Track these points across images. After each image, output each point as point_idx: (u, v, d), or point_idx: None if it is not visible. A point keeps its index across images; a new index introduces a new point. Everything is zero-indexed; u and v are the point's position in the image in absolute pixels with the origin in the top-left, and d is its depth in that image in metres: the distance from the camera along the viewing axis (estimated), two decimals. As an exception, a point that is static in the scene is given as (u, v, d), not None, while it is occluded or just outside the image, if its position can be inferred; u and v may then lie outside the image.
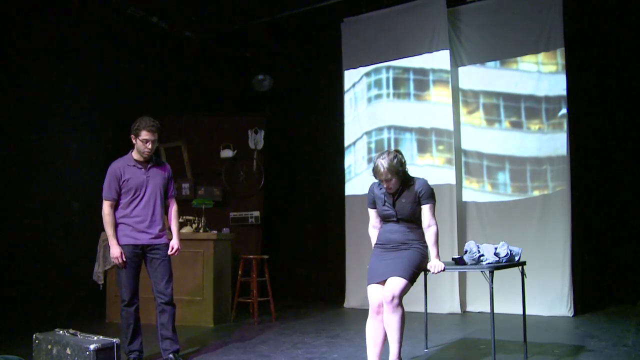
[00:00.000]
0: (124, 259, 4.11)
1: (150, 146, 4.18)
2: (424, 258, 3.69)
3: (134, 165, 4.23)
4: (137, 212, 4.19)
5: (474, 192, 6.83)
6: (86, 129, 7.35)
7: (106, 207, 4.16)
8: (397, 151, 3.67)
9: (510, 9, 6.66)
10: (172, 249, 4.31)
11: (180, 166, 7.80)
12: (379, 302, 3.56)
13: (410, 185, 3.66)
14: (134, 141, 4.21)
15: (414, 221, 3.68)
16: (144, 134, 4.15)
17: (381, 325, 3.59)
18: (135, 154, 4.25)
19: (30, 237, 6.55)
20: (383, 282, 3.57)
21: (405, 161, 3.63)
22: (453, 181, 6.74)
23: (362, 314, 4.66)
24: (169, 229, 4.44)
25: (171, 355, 4.21)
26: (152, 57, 8.06)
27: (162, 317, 4.24)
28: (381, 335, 3.62)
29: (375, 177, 3.65)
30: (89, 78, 7.31)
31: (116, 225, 4.17)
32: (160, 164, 4.41)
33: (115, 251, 4.11)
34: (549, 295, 6.09)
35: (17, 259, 6.33)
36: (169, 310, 4.25)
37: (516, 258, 4.11)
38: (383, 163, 3.54)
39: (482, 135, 6.81)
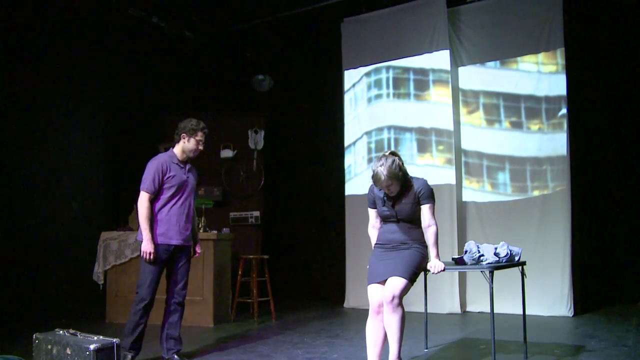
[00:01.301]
0: (154, 257, 4.04)
1: (202, 147, 4.26)
2: (424, 258, 3.69)
3: (177, 164, 4.22)
4: (174, 211, 4.16)
5: (474, 192, 6.83)
6: (86, 128, 7.36)
7: (145, 199, 4.06)
8: (394, 153, 3.61)
9: (510, 9, 6.66)
10: (197, 252, 4.44)
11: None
12: (379, 302, 3.56)
13: (410, 185, 3.64)
14: (184, 140, 4.21)
15: (414, 221, 3.67)
16: (200, 135, 4.24)
17: (381, 325, 3.58)
18: (179, 153, 4.25)
19: (30, 237, 6.55)
20: (383, 282, 3.57)
21: (403, 162, 3.61)
22: (453, 181, 6.74)
23: (362, 314, 4.66)
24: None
25: (175, 356, 4.20)
26: (152, 57, 8.06)
27: (173, 317, 4.24)
28: (381, 335, 3.61)
29: (376, 185, 3.63)
30: (89, 78, 7.31)
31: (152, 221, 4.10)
32: (194, 167, 4.43)
33: (148, 246, 4.01)
34: (549, 295, 6.09)
35: (17, 259, 6.34)
36: (179, 311, 4.27)
37: (516, 258, 4.10)
38: (382, 171, 3.49)
39: (482, 135, 6.81)
